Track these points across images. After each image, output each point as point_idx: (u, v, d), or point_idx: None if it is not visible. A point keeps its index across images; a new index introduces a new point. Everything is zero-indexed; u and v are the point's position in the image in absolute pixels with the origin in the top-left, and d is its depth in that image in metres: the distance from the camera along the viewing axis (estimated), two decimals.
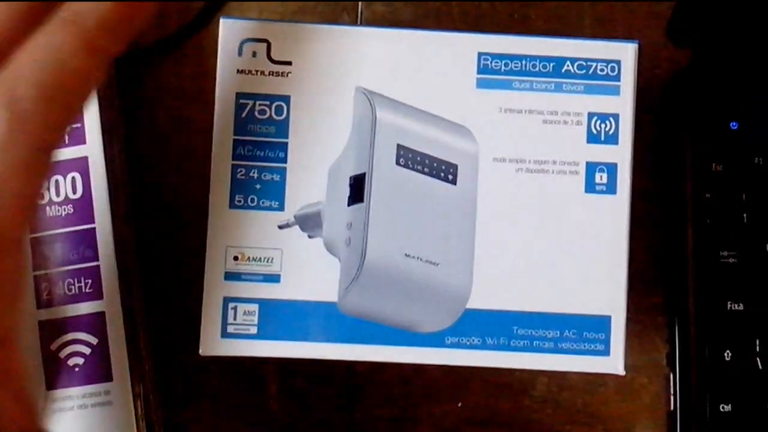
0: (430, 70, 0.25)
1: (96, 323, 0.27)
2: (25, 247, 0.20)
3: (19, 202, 0.19)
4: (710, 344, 0.30)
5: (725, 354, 0.30)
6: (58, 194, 0.27)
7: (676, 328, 0.31)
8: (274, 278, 0.25)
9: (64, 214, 0.27)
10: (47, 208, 0.27)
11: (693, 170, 0.31)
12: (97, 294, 0.27)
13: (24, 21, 0.20)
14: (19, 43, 0.20)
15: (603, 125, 0.25)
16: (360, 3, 0.32)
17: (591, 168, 0.25)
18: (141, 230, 0.30)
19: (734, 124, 0.31)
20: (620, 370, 0.25)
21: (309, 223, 0.25)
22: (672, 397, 0.31)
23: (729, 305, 0.30)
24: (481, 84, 0.25)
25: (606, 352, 0.25)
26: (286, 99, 0.25)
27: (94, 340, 0.27)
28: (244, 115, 0.25)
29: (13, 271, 0.20)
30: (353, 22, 0.32)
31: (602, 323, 0.25)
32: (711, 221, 0.30)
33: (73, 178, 0.27)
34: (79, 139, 0.27)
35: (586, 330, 0.25)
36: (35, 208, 0.20)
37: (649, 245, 0.32)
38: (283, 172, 0.25)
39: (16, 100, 0.19)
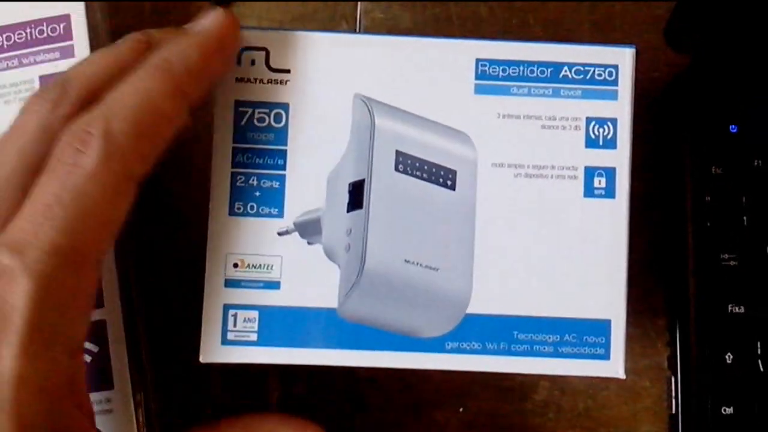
0: (428, 76, 0.25)
1: (97, 331, 0.27)
2: (102, 267, 0.22)
3: (106, 225, 0.22)
4: (711, 347, 0.30)
5: (726, 357, 0.30)
6: None
7: (677, 331, 0.31)
8: (273, 285, 0.25)
9: None
10: None
11: (692, 173, 0.31)
12: (97, 302, 0.27)
13: (120, 68, 0.23)
14: (111, 85, 0.22)
15: (601, 130, 0.25)
16: (358, 11, 0.32)
17: (589, 172, 0.25)
18: (141, 238, 0.30)
19: (733, 127, 0.31)
20: (621, 374, 0.25)
21: (308, 229, 0.25)
22: (674, 400, 0.31)
23: (730, 308, 0.30)
24: (480, 90, 0.25)
25: (606, 356, 0.25)
26: (285, 107, 0.25)
27: (94, 348, 0.27)
28: (243, 122, 0.25)
29: (90, 289, 0.22)
30: (352, 30, 0.32)
31: (602, 327, 0.25)
32: (711, 224, 0.30)
33: None
34: None
35: (586, 334, 0.25)
36: (118, 233, 0.22)
37: (649, 248, 0.32)
38: (282, 179, 0.25)
39: (111, 133, 0.21)
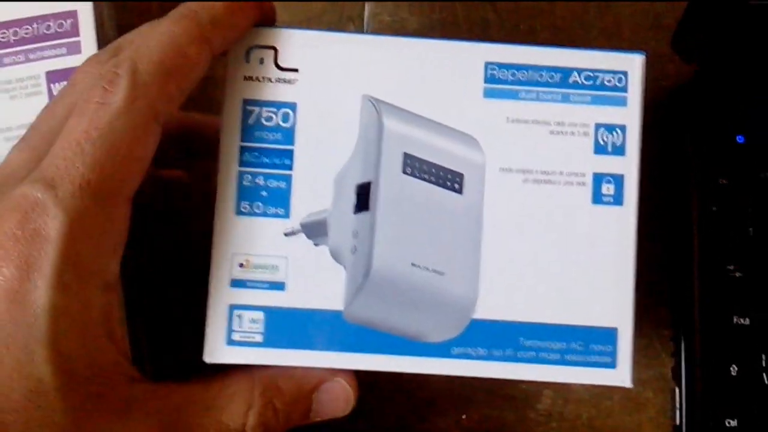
0: (437, 78, 0.25)
1: None
2: (131, 205, 0.23)
3: (134, 162, 0.22)
4: (716, 358, 0.30)
5: (731, 368, 0.30)
6: None
7: (682, 341, 0.31)
8: (279, 286, 0.24)
9: None
10: None
11: (699, 184, 0.31)
12: None
13: None
14: None
15: (610, 136, 0.25)
16: (366, 13, 0.32)
17: (598, 179, 0.25)
18: (144, 236, 0.30)
19: (740, 137, 0.31)
20: (627, 383, 0.25)
21: (315, 230, 0.24)
22: (677, 412, 0.31)
23: (735, 319, 0.30)
24: (488, 93, 0.25)
25: (613, 365, 0.25)
26: (293, 106, 0.25)
27: None
28: (250, 121, 0.25)
29: (121, 225, 0.23)
30: (359, 32, 0.32)
31: (609, 335, 0.25)
32: (717, 235, 0.30)
33: None
34: None
35: (593, 342, 0.25)
36: (145, 172, 0.23)
37: (655, 258, 0.32)
38: (289, 179, 0.25)
39: (137, 73, 0.22)
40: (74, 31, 0.29)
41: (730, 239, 0.30)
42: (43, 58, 0.29)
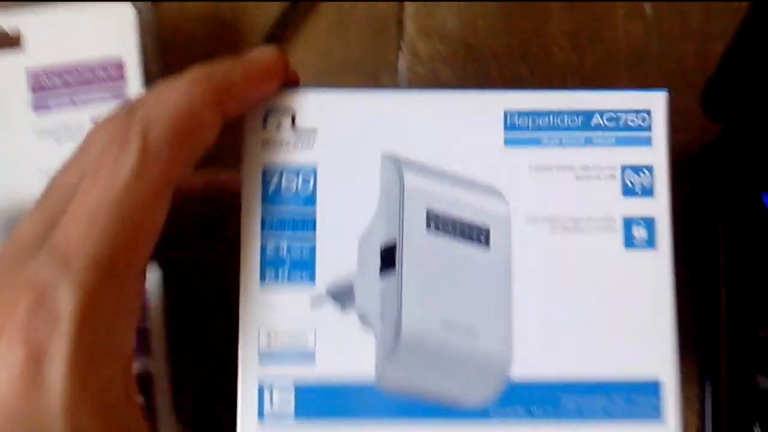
0: (457, 130, 0.25)
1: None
2: (144, 275, 0.22)
3: (147, 232, 0.22)
4: (741, 418, 0.29)
5: (754, 427, 0.29)
6: None
7: (708, 400, 0.30)
8: (308, 356, 0.24)
9: None
10: None
11: (726, 244, 0.30)
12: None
13: None
14: None
15: (637, 177, 0.25)
16: (401, 64, 0.32)
17: (628, 223, 0.24)
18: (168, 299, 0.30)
19: (767, 197, 0.30)
20: None
21: (341, 296, 0.24)
22: None
23: (759, 380, 0.29)
24: (510, 142, 0.25)
25: (658, 416, 0.24)
26: (313, 169, 0.24)
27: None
28: (271, 188, 0.24)
29: (135, 300, 0.22)
30: (394, 82, 0.32)
31: (653, 387, 0.24)
32: (744, 295, 0.30)
33: None
34: None
35: (637, 394, 0.24)
36: (156, 240, 0.22)
37: (682, 315, 0.31)
38: (312, 243, 0.24)
39: (149, 136, 0.22)
40: (119, 76, 0.29)
41: (757, 300, 0.29)
42: (89, 102, 0.29)
